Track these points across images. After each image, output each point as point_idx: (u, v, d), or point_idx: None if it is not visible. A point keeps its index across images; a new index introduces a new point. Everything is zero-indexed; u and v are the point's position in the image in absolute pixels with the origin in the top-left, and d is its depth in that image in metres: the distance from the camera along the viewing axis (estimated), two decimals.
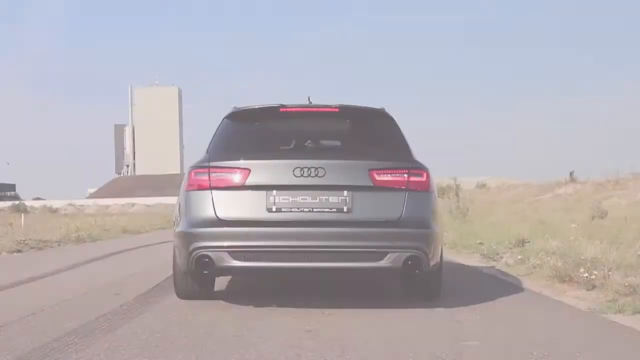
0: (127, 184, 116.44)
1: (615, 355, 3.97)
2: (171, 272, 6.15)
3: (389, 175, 5.59)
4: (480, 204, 29.30)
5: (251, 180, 5.47)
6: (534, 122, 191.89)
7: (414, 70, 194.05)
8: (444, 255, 6.14)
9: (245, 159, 5.57)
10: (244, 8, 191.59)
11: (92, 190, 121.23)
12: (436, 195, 5.89)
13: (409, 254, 5.37)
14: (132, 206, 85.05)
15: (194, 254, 5.41)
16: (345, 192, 5.45)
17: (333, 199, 5.47)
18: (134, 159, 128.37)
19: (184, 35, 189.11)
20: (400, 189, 5.53)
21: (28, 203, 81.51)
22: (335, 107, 6.09)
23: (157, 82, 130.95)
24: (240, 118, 6.23)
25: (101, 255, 11.63)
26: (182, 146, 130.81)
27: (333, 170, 5.48)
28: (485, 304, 5.81)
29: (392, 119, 6.20)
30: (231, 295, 6.37)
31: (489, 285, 7.15)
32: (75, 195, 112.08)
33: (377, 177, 5.52)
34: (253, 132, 6.26)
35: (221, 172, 5.55)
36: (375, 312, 5.43)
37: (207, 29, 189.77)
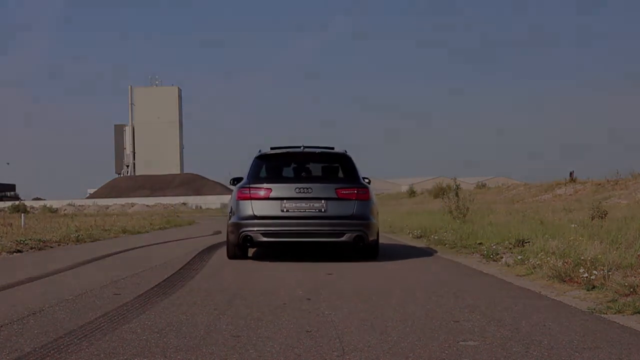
0: (127, 184, 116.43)
1: (615, 355, 3.97)
2: (170, 273, 8.08)
3: (347, 191, 9.64)
4: (480, 204, 29.29)
5: (272, 194, 9.60)
6: (534, 122, 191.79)
7: (415, 70, 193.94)
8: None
9: (268, 182, 9.79)
10: (244, 7, 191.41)
11: (92, 191, 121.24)
12: (374, 201, 9.98)
13: (357, 234, 9.50)
14: (132, 206, 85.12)
15: (241, 234, 9.59)
16: (323, 201, 9.56)
17: (316, 204, 9.55)
18: (134, 159, 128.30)
19: (183, 35, 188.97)
20: (352, 199, 9.61)
21: (28, 203, 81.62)
22: (318, 152, 10.54)
23: (157, 82, 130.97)
24: (264, 158, 10.49)
25: (101, 255, 11.63)
26: (182, 146, 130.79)
27: (316, 189, 9.59)
28: (485, 303, 5.82)
29: (350, 158, 10.35)
30: (231, 296, 6.38)
31: (488, 286, 7.16)
32: (75, 196, 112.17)
33: (340, 193, 9.61)
34: (271, 166, 10.58)
35: (256, 190, 9.67)
36: (376, 312, 5.43)
37: (208, 29, 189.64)
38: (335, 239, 9.54)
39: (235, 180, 10.44)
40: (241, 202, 9.69)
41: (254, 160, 10.34)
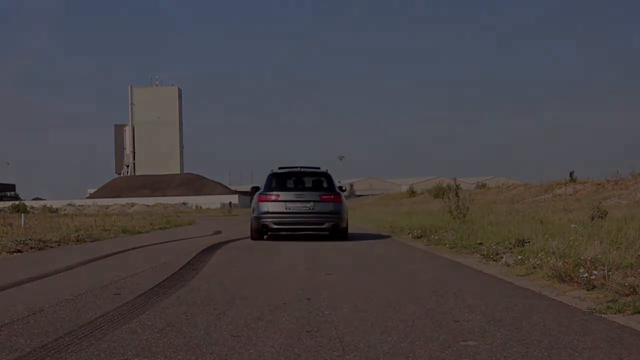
0: (127, 184, 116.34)
1: (615, 355, 3.97)
2: (170, 273, 8.36)
3: (326, 196, 14.82)
4: (480, 204, 29.29)
5: (280, 198, 14.69)
6: (533, 122, 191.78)
7: (414, 71, 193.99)
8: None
9: (277, 190, 14.93)
10: (244, 7, 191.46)
11: (92, 190, 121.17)
12: (344, 203, 15.15)
13: (333, 223, 14.67)
14: (132, 206, 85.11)
15: (260, 223, 14.74)
16: (311, 202, 14.64)
17: (307, 205, 14.61)
18: (134, 159, 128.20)
19: (183, 35, 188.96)
20: (330, 201, 14.70)
21: (28, 203, 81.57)
22: (309, 171, 15.80)
23: (157, 82, 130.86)
24: (274, 175, 15.48)
25: (101, 255, 11.63)
26: (182, 146, 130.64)
27: (307, 195, 14.80)
28: (485, 303, 5.81)
29: (330, 175, 15.61)
30: (231, 296, 6.38)
31: (488, 286, 7.16)
32: (75, 195, 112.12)
33: (322, 197, 14.75)
34: (279, 180, 15.46)
35: (269, 195, 14.81)
36: (376, 312, 5.43)
37: (208, 28, 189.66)
38: (319, 226, 14.94)
39: (254, 189, 15.78)
40: (260, 203, 15.00)
41: (268, 176, 15.70)
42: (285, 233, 15.61)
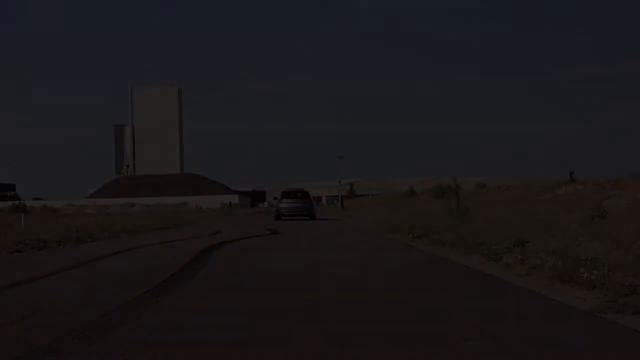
0: (127, 184, 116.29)
1: (615, 355, 3.97)
2: (170, 273, 8.21)
3: (306, 201, 35.79)
4: (480, 204, 29.26)
5: (286, 201, 35.63)
6: (533, 122, 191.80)
7: (412, 73, 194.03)
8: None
9: (285, 198, 35.97)
10: (244, 7, 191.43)
11: (92, 191, 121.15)
12: (314, 204, 37.87)
13: (309, 212, 34.92)
14: (132, 206, 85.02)
15: (279, 212, 35.09)
16: (299, 204, 35.49)
17: (298, 205, 35.22)
18: (134, 159, 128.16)
19: (184, 35, 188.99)
20: (308, 203, 35.55)
21: (28, 203, 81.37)
22: (299, 189, 39.50)
23: (157, 82, 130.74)
24: (284, 192, 37.24)
25: (100, 255, 11.63)
26: (182, 146, 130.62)
27: (298, 201, 35.73)
28: (485, 303, 5.82)
29: (308, 191, 38.21)
30: (230, 296, 6.38)
31: (488, 286, 7.16)
32: (75, 196, 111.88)
33: (304, 201, 35.75)
34: (286, 194, 36.70)
35: (282, 200, 35.89)
36: (376, 312, 5.43)
37: (208, 29, 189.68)
38: (303, 213, 33.85)
39: (276, 197, 41.73)
40: (279, 204, 35.08)
41: (281, 192, 36.65)
42: (290, 218, 32.64)
